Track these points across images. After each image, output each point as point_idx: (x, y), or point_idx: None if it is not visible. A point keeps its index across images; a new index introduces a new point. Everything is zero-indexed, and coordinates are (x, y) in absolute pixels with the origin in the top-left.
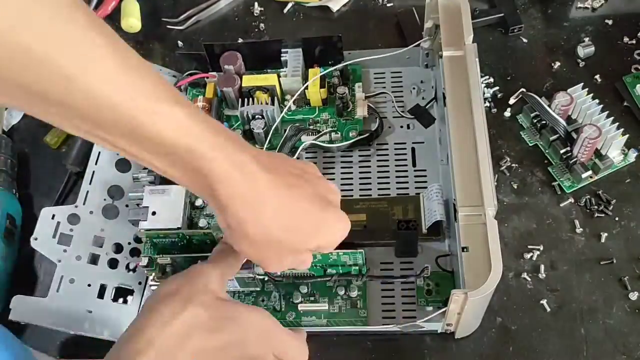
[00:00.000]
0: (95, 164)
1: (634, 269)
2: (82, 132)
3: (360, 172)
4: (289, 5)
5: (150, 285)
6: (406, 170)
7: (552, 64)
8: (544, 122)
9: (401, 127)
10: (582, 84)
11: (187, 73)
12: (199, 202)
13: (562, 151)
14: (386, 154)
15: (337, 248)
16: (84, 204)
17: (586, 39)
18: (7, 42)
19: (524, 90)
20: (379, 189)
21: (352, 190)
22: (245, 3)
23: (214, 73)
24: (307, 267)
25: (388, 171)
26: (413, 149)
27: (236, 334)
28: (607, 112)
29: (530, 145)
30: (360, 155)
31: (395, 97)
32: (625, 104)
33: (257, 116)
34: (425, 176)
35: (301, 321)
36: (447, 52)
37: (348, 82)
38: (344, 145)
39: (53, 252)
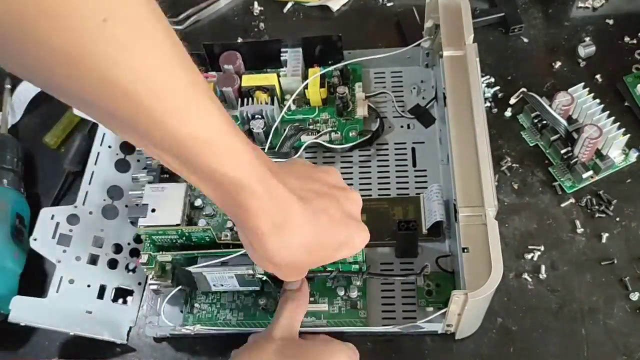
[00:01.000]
0: (95, 164)
1: (634, 270)
2: (131, 140)
3: (360, 172)
4: (289, 4)
5: (150, 285)
6: (406, 171)
7: (553, 64)
8: (544, 122)
9: (401, 127)
10: (582, 83)
11: None
12: (198, 203)
13: (562, 151)
14: (386, 154)
15: None
16: (83, 204)
17: (587, 39)
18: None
19: (524, 90)
20: (379, 189)
21: None
22: (245, 3)
23: (214, 73)
24: None
25: (388, 171)
26: (413, 149)
27: None
28: (608, 112)
29: (531, 145)
30: (360, 155)
31: (395, 97)
32: (626, 103)
33: (256, 116)
34: (425, 176)
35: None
36: (448, 52)
37: (348, 82)
38: (347, 147)
39: (52, 253)
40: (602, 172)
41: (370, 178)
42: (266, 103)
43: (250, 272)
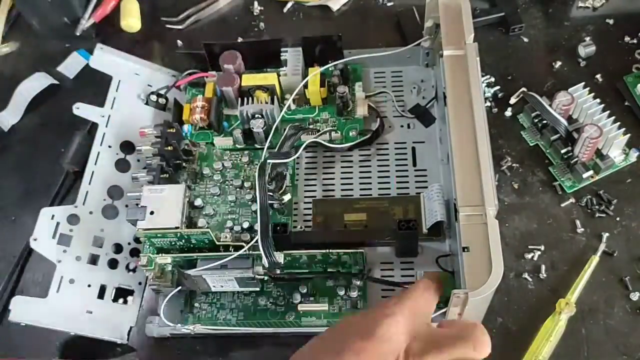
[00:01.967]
0: (95, 164)
1: (634, 269)
2: None
3: (360, 172)
4: (289, 4)
5: (150, 285)
6: (406, 170)
7: (553, 64)
8: (544, 121)
9: (401, 126)
10: (583, 83)
11: (186, 72)
12: (198, 202)
13: (563, 151)
14: (386, 154)
15: (337, 248)
16: (83, 204)
17: (587, 39)
18: None
19: (524, 89)
20: (379, 188)
21: (352, 190)
22: (245, 2)
23: (214, 72)
24: None
25: (388, 171)
26: (413, 149)
27: None
28: (608, 112)
29: (531, 145)
30: (360, 155)
31: (395, 96)
32: (626, 103)
33: (256, 115)
34: (425, 176)
35: (301, 321)
36: (448, 52)
37: (348, 82)
38: (347, 147)
39: (52, 253)
40: (602, 172)
41: (370, 177)
42: (266, 102)
43: (250, 274)
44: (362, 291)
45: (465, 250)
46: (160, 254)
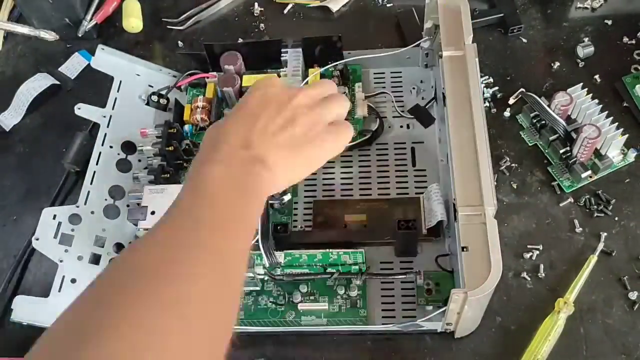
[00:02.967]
0: (96, 164)
1: (633, 269)
2: None
3: (360, 172)
4: (289, 5)
5: None
6: (406, 170)
7: (552, 64)
8: (543, 122)
9: (401, 127)
10: (581, 84)
11: (187, 73)
12: None
13: (561, 151)
14: (386, 154)
15: (337, 248)
16: (85, 204)
17: (586, 39)
18: None
19: (523, 90)
20: (379, 188)
21: (352, 190)
22: (246, 3)
23: (214, 73)
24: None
25: (388, 171)
26: (413, 149)
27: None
28: (606, 112)
29: (530, 145)
30: (360, 155)
31: (395, 97)
32: (624, 104)
33: None
34: (425, 176)
35: (301, 320)
36: (447, 52)
37: (348, 82)
38: (346, 147)
39: (54, 252)
40: (600, 172)
41: (370, 178)
42: None
43: (250, 274)
44: (362, 290)
45: (465, 249)
46: None
